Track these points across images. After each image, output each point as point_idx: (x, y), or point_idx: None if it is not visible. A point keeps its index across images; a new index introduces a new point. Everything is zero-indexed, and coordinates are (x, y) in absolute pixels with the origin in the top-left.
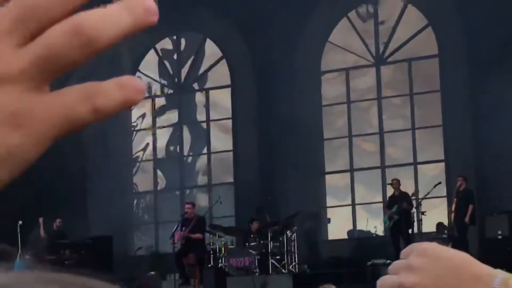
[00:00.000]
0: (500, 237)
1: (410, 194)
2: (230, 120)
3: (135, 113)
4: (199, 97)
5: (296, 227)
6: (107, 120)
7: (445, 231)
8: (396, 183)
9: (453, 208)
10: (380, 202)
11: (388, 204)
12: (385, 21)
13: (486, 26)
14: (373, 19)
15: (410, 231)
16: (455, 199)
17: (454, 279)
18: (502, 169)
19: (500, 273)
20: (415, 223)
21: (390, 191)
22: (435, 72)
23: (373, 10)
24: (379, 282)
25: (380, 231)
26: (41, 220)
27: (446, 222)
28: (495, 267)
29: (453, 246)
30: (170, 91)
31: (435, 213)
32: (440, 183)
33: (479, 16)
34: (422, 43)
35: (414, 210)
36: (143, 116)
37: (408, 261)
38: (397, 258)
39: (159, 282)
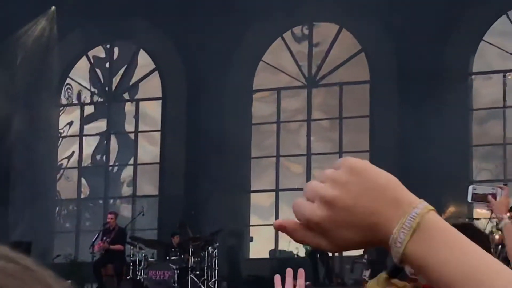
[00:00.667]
0: None
1: None
2: (159, 133)
3: (63, 119)
4: (129, 108)
5: (218, 244)
6: (34, 125)
7: (365, 256)
8: None
9: None
10: None
11: None
12: (319, 44)
13: (418, 56)
14: (307, 41)
15: (330, 254)
16: None
17: (374, 200)
18: (424, 197)
19: (421, 204)
20: None
21: None
22: (365, 98)
23: (308, 32)
24: (307, 184)
25: (302, 253)
26: None
27: None
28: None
29: (372, 271)
30: (100, 99)
31: None
32: None
33: (412, 46)
34: (355, 68)
35: None
36: (70, 123)
37: (336, 174)
38: (317, 281)
39: None
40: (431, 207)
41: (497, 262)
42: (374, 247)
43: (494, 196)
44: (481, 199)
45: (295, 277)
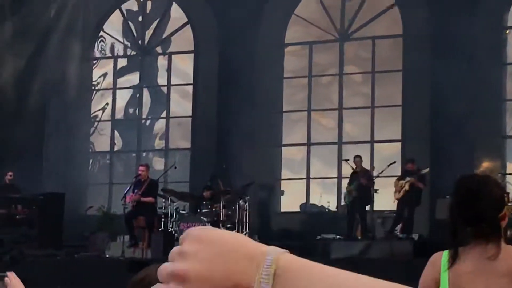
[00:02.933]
0: None
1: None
2: (191, 86)
3: (96, 72)
4: (161, 61)
5: (249, 197)
6: (68, 78)
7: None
8: (358, 160)
9: (407, 187)
10: (335, 177)
11: (350, 180)
12: None
13: (451, 10)
14: None
15: (367, 208)
16: (408, 179)
17: (228, 262)
18: (457, 152)
19: (272, 251)
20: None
21: (345, 167)
22: (398, 52)
23: None
24: (159, 269)
25: (333, 207)
26: None
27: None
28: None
29: (403, 226)
30: (133, 52)
31: (388, 192)
32: (395, 162)
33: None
34: (387, 22)
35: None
36: (104, 75)
37: (182, 247)
38: (350, 234)
39: (108, 242)
40: (282, 249)
41: (360, 277)
42: None
43: None
44: None
45: None
